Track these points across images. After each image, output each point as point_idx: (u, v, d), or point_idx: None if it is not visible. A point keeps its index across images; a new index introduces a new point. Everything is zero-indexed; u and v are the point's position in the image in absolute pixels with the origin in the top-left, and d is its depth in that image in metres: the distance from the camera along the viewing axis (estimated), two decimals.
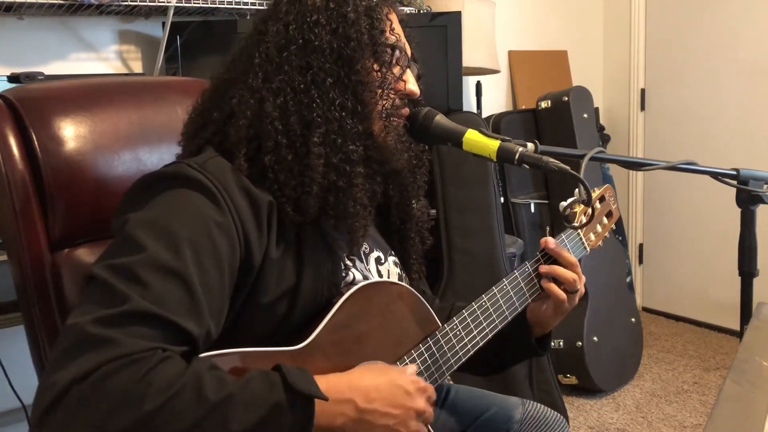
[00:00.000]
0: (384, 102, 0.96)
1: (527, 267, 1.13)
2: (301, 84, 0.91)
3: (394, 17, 1.00)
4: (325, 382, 0.79)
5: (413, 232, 1.10)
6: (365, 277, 0.99)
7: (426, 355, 1.00)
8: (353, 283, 0.96)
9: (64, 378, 0.67)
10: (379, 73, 0.95)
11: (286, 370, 0.75)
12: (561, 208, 1.05)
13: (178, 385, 0.69)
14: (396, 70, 0.97)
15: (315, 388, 0.76)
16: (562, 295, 1.10)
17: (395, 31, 0.98)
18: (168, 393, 0.68)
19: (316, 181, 0.89)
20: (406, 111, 1.01)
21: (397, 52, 0.97)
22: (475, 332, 1.05)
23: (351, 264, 0.98)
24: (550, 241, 1.12)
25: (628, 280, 3.03)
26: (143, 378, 0.68)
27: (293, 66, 0.91)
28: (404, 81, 0.99)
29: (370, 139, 0.95)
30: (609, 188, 1.31)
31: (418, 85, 1.02)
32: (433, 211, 2.51)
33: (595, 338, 2.66)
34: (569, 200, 1.04)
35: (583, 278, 1.13)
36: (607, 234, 1.29)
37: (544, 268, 1.11)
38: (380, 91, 0.95)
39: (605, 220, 1.29)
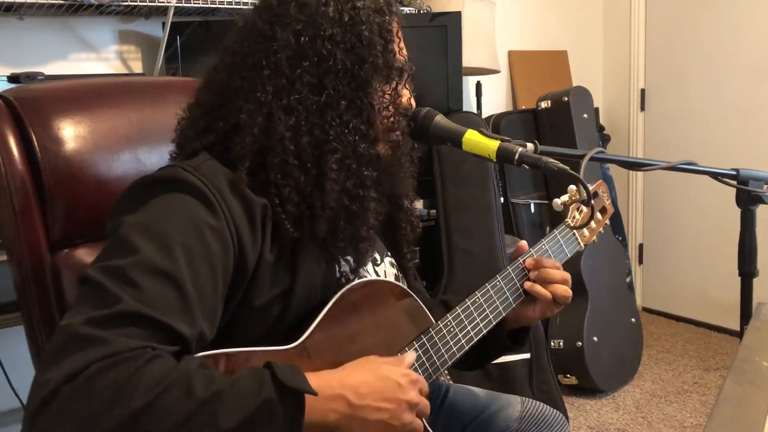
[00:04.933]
0: (386, 121, 0.95)
1: (520, 263, 1.13)
2: (313, 104, 0.89)
3: (398, 28, 0.98)
4: (316, 379, 0.78)
5: (404, 222, 1.10)
6: (360, 277, 0.99)
7: (420, 351, 1.00)
8: (347, 283, 0.96)
9: (54, 377, 0.67)
10: (388, 96, 0.94)
11: (275, 367, 0.75)
12: (554, 206, 1.07)
13: (166, 382, 0.69)
14: (403, 91, 0.97)
15: (305, 384, 0.76)
16: (550, 295, 1.10)
17: (403, 51, 0.97)
18: (156, 390, 0.68)
19: (329, 206, 0.89)
20: (404, 123, 0.99)
21: (405, 74, 0.97)
22: (468, 327, 1.06)
23: (346, 264, 0.98)
24: (532, 259, 1.12)
25: (628, 280, 3.03)
26: (132, 376, 0.68)
27: (305, 83, 0.89)
28: (406, 96, 0.99)
29: (379, 162, 0.95)
30: (602, 184, 1.32)
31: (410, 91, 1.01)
32: (433, 211, 2.51)
33: (595, 338, 2.66)
34: (561, 198, 1.07)
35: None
36: (601, 229, 1.30)
37: (533, 275, 1.11)
38: (386, 112, 0.94)
39: (599, 215, 1.30)
